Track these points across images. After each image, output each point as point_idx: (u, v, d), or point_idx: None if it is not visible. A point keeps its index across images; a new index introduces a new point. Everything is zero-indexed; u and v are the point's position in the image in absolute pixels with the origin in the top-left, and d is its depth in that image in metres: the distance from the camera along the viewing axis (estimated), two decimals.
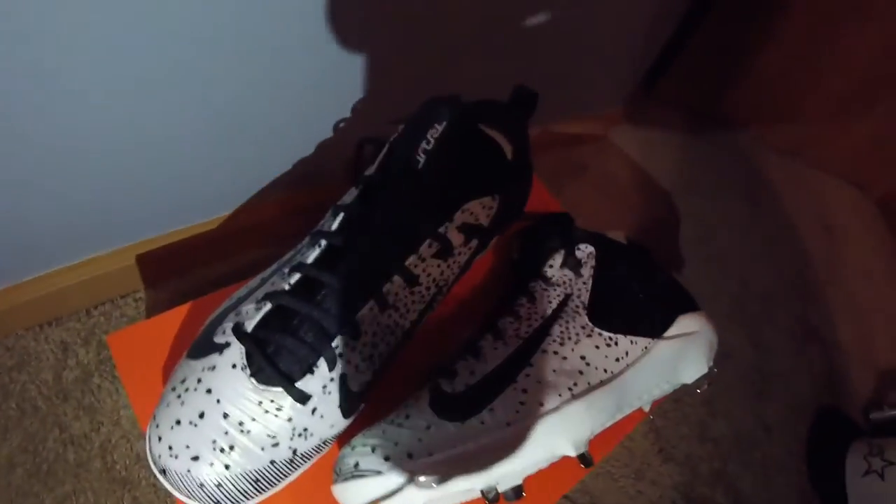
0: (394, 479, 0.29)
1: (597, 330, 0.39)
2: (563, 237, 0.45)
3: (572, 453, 0.33)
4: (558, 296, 0.41)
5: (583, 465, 0.34)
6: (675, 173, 1.02)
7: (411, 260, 0.32)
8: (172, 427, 0.29)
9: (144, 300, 0.59)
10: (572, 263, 0.43)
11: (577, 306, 0.40)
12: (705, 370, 0.42)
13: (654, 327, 0.41)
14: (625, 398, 0.37)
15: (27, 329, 0.53)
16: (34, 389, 0.50)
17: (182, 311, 0.40)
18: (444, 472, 0.29)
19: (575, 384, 0.35)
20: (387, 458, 0.30)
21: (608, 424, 0.36)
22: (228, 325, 0.31)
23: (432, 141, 0.30)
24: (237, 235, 0.63)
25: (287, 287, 0.31)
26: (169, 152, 0.45)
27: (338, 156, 0.56)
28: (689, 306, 0.45)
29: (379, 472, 0.30)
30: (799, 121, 1.15)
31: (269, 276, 0.34)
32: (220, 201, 0.57)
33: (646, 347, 0.40)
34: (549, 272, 0.43)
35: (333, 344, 0.30)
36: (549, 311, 0.39)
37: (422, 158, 0.30)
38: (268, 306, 0.31)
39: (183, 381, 0.30)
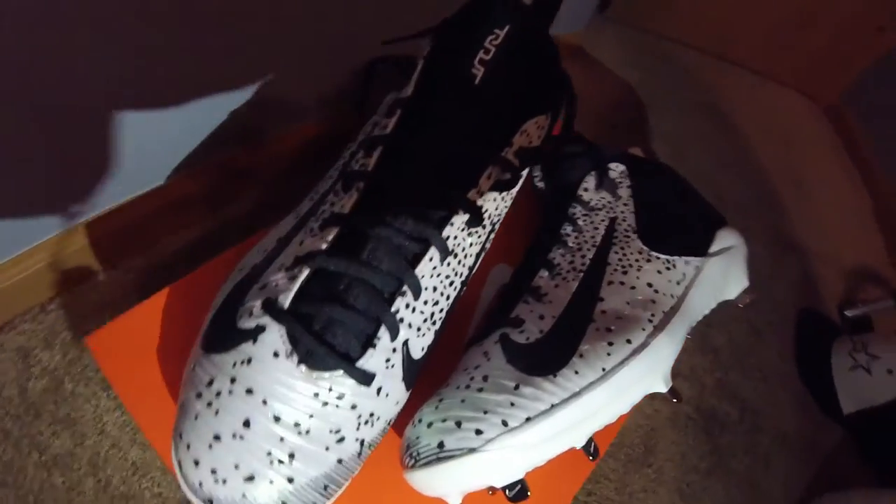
0: (494, 455, 0.24)
1: (654, 254, 0.35)
2: (592, 158, 0.40)
3: (664, 389, 0.29)
4: (603, 220, 0.36)
5: (590, 458, 0.30)
6: (638, 95, 0.99)
7: (471, 194, 0.25)
8: (211, 445, 0.22)
9: (107, 284, 0.50)
10: (608, 184, 0.39)
11: (626, 230, 0.36)
12: (747, 284, 0.41)
13: (700, 245, 0.38)
14: (691, 319, 0.34)
15: None
16: (0, 409, 0.41)
17: (167, 293, 0.33)
18: (549, 438, 0.25)
19: (652, 315, 0.31)
20: (478, 432, 0.25)
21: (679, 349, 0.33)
22: (255, 304, 0.24)
23: (492, 50, 0.24)
24: (205, 195, 0.54)
25: (325, 245, 0.24)
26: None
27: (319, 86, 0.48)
28: (720, 219, 0.43)
29: (473, 450, 0.24)
30: (748, 35, 1.14)
31: (290, 234, 0.27)
32: (172, 155, 0.48)
33: (697, 267, 0.36)
34: (585, 196, 0.38)
35: (393, 308, 0.24)
36: (600, 238, 0.35)
37: (479, 71, 0.24)
38: (305, 272, 0.24)
39: (210, 384, 0.23)
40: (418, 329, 0.26)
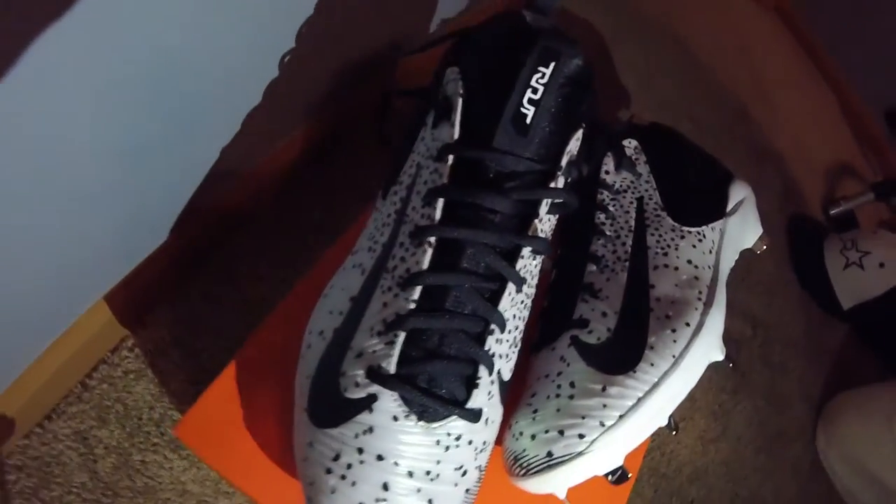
0: (598, 453, 0.27)
1: (685, 228, 0.37)
2: (605, 137, 0.42)
3: (721, 357, 0.33)
4: (631, 202, 0.38)
5: (672, 432, 0.34)
6: (597, 27, 0.99)
7: (534, 225, 0.27)
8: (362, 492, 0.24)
9: (142, 344, 0.51)
10: (627, 164, 0.41)
11: (655, 208, 0.38)
12: (761, 231, 0.44)
13: (719, 207, 0.41)
14: (723, 282, 0.37)
15: (26, 436, 0.44)
16: (75, 499, 0.42)
17: (235, 365, 0.34)
18: (640, 426, 0.28)
19: (699, 292, 0.33)
20: (581, 436, 0.28)
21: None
22: (359, 374, 0.26)
23: (540, 89, 0.25)
24: (208, 237, 0.55)
25: (412, 306, 0.26)
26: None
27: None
28: (727, 174, 0.45)
29: (580, 453, 0.27)
30: None
31: (364, 293, 0.28)
32: (169, 211, 0.48)
33: (721, 230, 0.39)
34: (609, 179, 0.40)
35: (485, 346, 0.27)
36: (633, 222, 0.37)
37: (529, 111, 0.25)
38: (402, 336, 0.26)
39: (337, 458, 0.25)
40: (506, 356, 0.28)
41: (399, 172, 0.31)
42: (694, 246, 0.36)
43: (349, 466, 0.25)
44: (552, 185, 0.27)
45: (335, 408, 0.26)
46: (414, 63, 0.67)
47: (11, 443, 0.44)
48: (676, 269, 0.34)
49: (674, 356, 0.30)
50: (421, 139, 0.30)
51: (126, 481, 0.44)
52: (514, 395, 0.32)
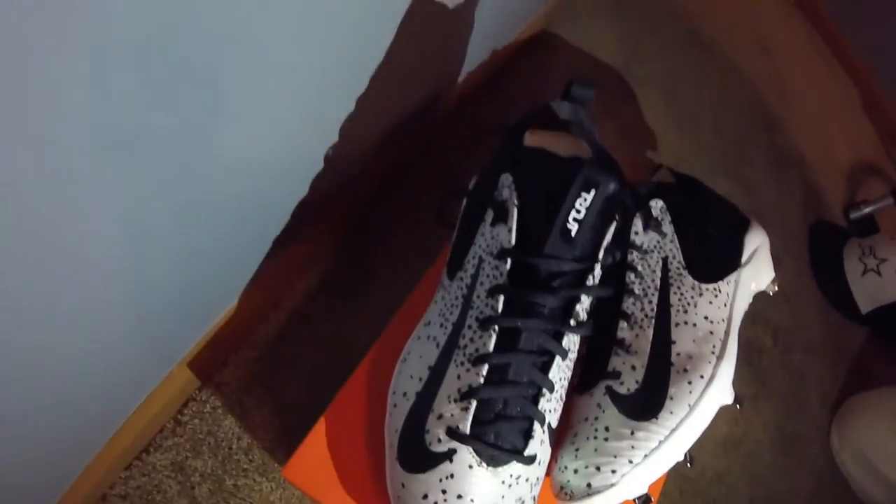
0: (629, 486, 0.36)
1: (703, 286, 0.44)
2: (633, 199, 0.49)
3: (731, 401, 0.41)
4: (657, 262, 0.46)
5: (688, 465, 0.42)
6: (620, 47, 1.05)
7: (577, 309, 0.35)
8: None
9: (227, 382, 0.60)
10: (654, 224, 0.48)
11: (678, 268, 0.45)
12: (773, 275, 0.50)
13: (734, 259, 0.48)
14: (736, 327, 0.45)
15: (127, 468, 0.54)
16: None
17: (328, 414, 0.43)
18: (661, 462, 0.37)
19: (714, 346, 0.41)
20: (613, 472, 0.36)
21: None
22: (440, 432, 0.34)
23: (583, 210, 0.33)
24: (275, 293, 0.65)
25: (482, 380, 0.34)
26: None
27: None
28: (745, 222, 0.52)
29: (613, 485, 0.36)
30: None
31: (440, 365, 0.37)
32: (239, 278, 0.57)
33: (736, 281, 0.46)
34: (638, 240, 0.47)
35: (539, 406, 0.35)
36: (658, 281, 0.45)
37: (574, 227, 0.33)
38: (474, 404, 0.34)
39: (426, 497, 0.34)
40: (554, 409, 0.37)
41: (464, 260, 0.39)
42: (710, 302, 0.44)
43: (435, 503, 0.33)
44: (590, 280, 0.35)
45: (422, 457, 0.35)
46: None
47: (114, 475, 0.53)
48: (695, 325, 0.42)
49: (689, 405, 0.38)
50: (481, 234, 0.38)
51: None
52: (560, 432, 0.40)
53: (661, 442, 0.37)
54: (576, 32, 1.02)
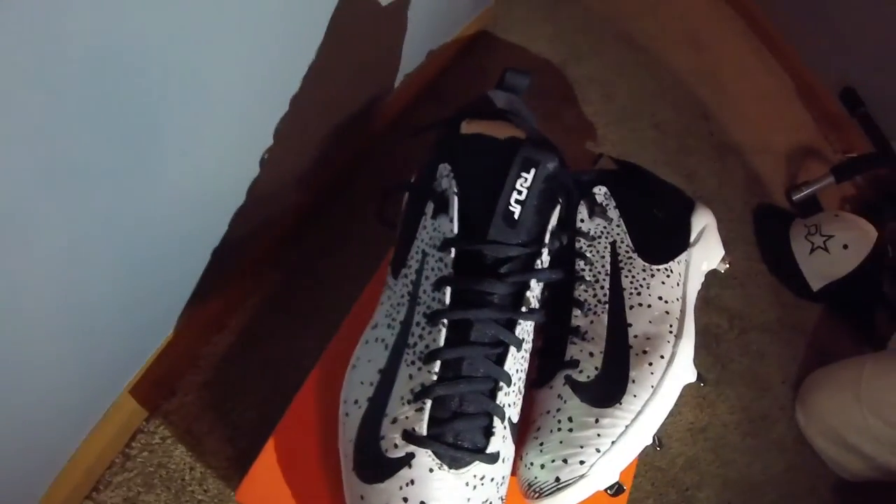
0: (597, 474, 0.35)
1: (654, 267, 0.45)
2: (576, 187, 0.49)
3: (694, 378, 0.41)
4: (605, 247, 0.46)
5: (657, 448, 0.42)
6: (556, 48, 1.07)
7: (527, 295, 0.35)
8: None
9: (176, 410, 0.58)
10: (599, 210, 0.48)
11: (627, 251, 0.45)
12: (723, 252, 0.51)
13: (683, 239, 0.48)
14: (691, 305, 0.45)
15: None
16: None
17: (276, 434, 0.41)
18: (629, 448, 0.36)
19: (671, 325, 0.41)
20: (581, 462, 0.35)
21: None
22: (396, 437, 0.33)
23: (524, 191, 0.32)
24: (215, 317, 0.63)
25: (435, 377, 0.33)
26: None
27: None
28: (689, 203, 0.53)
29: (583, 476, 0.35)
30: None
31: (391, 366, 0.35)
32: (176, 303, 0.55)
33: (686, 261, 0.47)
34: (584, 227, 0.47)
35: (497, 401, 0.34)
36: (609, 266, 0.45)
37: (516, 209, 0.32)
38: (429, 403, 0.33)
39: None
40: (514, 403, 0.36)
41: (406, 257, 0.37)
42: (663, 282, 0.44)
43: None
44: (538, 264, 0.34)
45: (379, 466, 0.33)
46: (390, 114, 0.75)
47: None
48: (649, 306, 0.42)
49: (652, 386, 0.38)
50: (423, 227, 0.37)
51: None
52: (522, 428, 0.40)
53: (627, 427, 0.37)
54: (512, 34, 1.03)
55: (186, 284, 0.54)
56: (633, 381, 0.38)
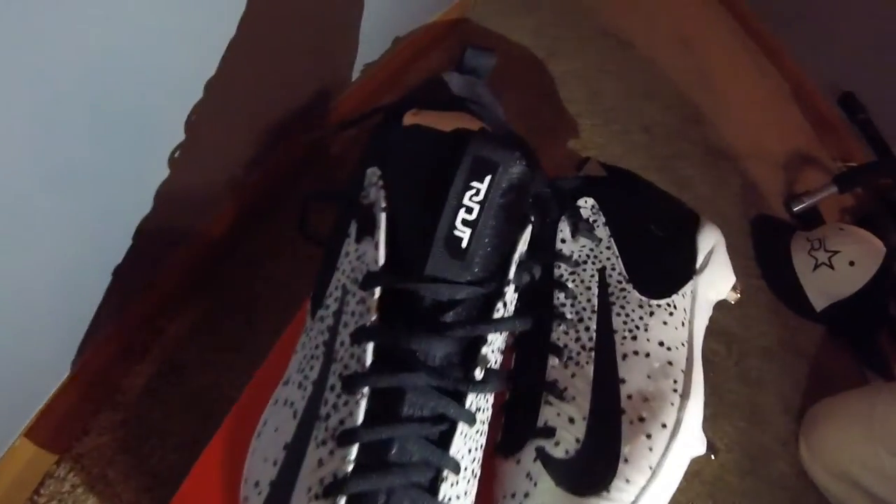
0: None
1: (653, 302, 0.35)
2: (557, 197, 0.40)
3: (703, 451, 0.31)
4: (592, 276, 0.37)
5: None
6: (537, 42, 0.99)
7: (483, 353, 0.25)
8: None
9: (90, 452, 0.52)
10: (585, 228, 0.39)
11: (619, 281, 0.36)
12: (734, 279, 0.43)
13: (688, 266, 0.40)
14: (699, 349, 0.36)
15: None
16: None
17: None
18: None
19: (675, 381, 0.32)
20: None
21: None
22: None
23: (475, 208, 0.23)
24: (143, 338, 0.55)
25: (350, 468, 0.23)
26: None
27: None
28: (693, 218, 0.44)
29: None
30: None
31: (297, 443, 0.26)
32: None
33: (692, 292, 0.38)
34: (566, 249, 0.38)
35: (442, 495, 0.24)
36: (596, 300, 0.35)
37: (465, 234, 0.23)
38: (343, 502, 0.23)
39: None
40: (465, 493, 0.26)
41: (325, 293, 0.28)
42: (665, 322, 0.35)
43: None
44: (499, 309, 0.25)
45: None
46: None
47: None
48: (648, 355, 0.33)
49: (651, 467, 0.29)
50: (345, 254, 0.27)
51: None
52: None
53: None
54: (490, 23, 0.94)
55: (83, 312, 0.45)
56: (626, 461, 0.29)
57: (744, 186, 0.98)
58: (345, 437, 0.24)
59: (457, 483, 0.25)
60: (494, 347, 0.26)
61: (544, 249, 0.38)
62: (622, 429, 0.30)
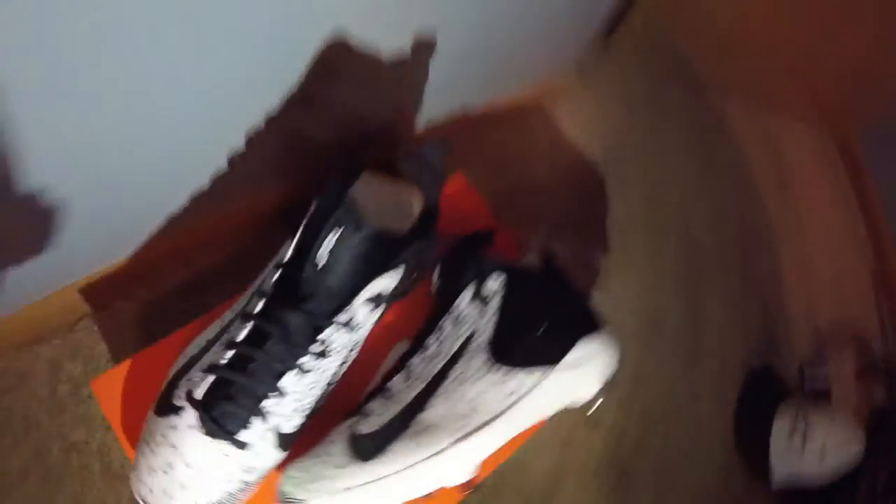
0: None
1: (497, 365, 0.47)
2: (476, 269, 0.53)
3: (459, 483, 0.45)
4: (463, 334, 0.49)
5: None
6: (624, 135, 1.06)
7: (323, 335, 0.42)
8: (149, 473, 0.40)
9: (120, 313, 0.69)
10: (481, 297, 0.51)
11: (479, 345, 0.48)
12: (595, 392, 0.51)
13: (553, 356, 0.48)
14: (514, 427, 0.47)
15: (19, 350, 0.64)
16: (35, 405, 0.62)
17: (152, 351, 0.51)
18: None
19: (461, 426, 0.44)
20: (311, 492, 0.42)
21: (496, 448, 0.46)
22: (183, 391, 0.42)
23: (333, 242, 0.39)
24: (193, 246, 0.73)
25: (224, 362, 0.41)
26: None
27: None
28: (591, 328, 0.51)
29: (303, 501, 0.41)
30: (758, 59, 1.12)
31: (212, 341, 0.44)
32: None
33: (539, 377, 0.47)
34: (459, 307, 0.51)
35: (262, 405, 0.41)
36: (454, 350, 0.48)
37: (322, 261, 0.40)
38: (211, 379, 0.41)
39: (152, 436, 0.41)
40: (287, 416, 0.43)
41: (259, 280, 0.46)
42: (494, 384, 0.46)
43: (157, 443, 0.40)
44: (342, 316, 0.42)
45: (166, 405, 0.42)
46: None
47: (9, 350, 0.63)
48: (457, 401, 0.45)
49: (406, 465, 0.43)
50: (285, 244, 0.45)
51: (73, 406, 0.62)
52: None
53: (364, 483, 0.42)
54: (577, 109, 1.02)
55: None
56: (393, 453, 0.43)
57: (762, 334, 1.00)
58: (230, 344, 0.42)
59: (281, 405, 0.42)
60: (330, 338, 0.42)
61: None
62: (405, 434, 0.44)
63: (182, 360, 0.45)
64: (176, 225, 0.66)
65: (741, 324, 1.00)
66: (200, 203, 0.64)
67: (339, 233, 0.40)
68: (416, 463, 0.43)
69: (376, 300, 0.44)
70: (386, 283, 0.43)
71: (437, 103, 0.80)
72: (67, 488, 0.59)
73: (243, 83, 0.47)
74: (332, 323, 0.41)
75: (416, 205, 0.49)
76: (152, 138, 0.46)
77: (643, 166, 1.04)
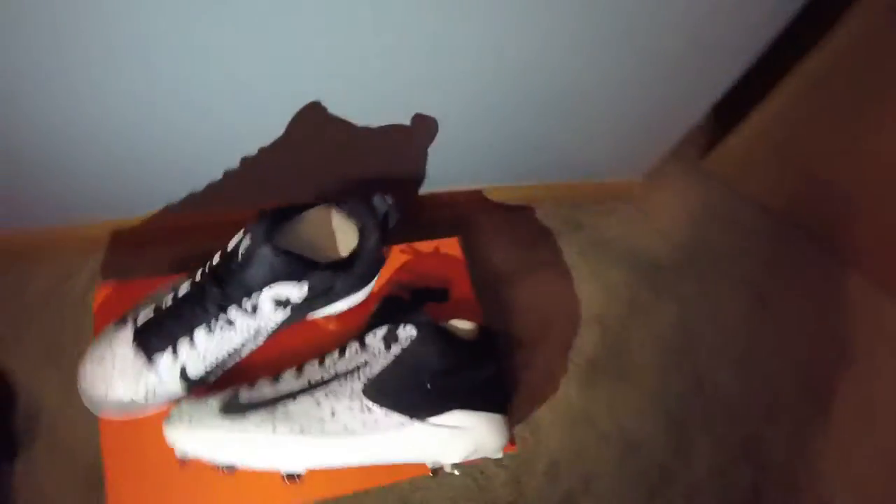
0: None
1: (361, 396, 0.54)
2: (400, 314, 0.60)
3: (284, 471, 0.55)
4: (359, 361, 0.58)
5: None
6: (682, 255, 1.05)
7: (230, 312, 0.55)
8: (90, 359, 0.56)
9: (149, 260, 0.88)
10: (389, 339, 0.58)
11: (361, 375, 0.56)
12: (457, 461, 0.57)
13: (419, 412, 0.55)
14: (366, 455, 0.54)
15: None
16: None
17: (139, 282, 0.68)
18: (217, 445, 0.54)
19: (310, 427, 0.53)
20: (190, 422, 0.54)
21: (337, 465, 0.55)
22: (133, 315, 0.58)
23: (247, 241, 0.53)
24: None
25: (164, 306, 0.57)
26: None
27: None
28: (479, 405, 0.57)
29: (172, 418, 0.55)
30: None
31: (175, 287, 0.60)
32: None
33: (401, 423, 0.54)
34: (367, 338, 0.59)
35: (177, 344, 0.55)
36: (345, 370, 0.58)
37: (239, 258, 0.53)
38: (151, 312, 0.57)
39: (104, 334, 0.57)
40: (193, 362, 0.56)
41: None
42: (351, 409, 0.54)
43: (103, 338, 0.57)
44: (243, 302, 0.55)
45: (122, 319, 0.58)
46: None
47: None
48: (318, 404, 0.54)
49: (247, 432, 0.53)
50: None
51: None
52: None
53: (217, 429, 0.53)
54: (641, 212, 1.06)
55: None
56: (246, 419, 0.55)
57: None
58: (174, 296, 0.57)
59: (192, 350, 0.56)
60: (232, 317, 0.56)
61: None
62: (265, 407, 0.54)
63: (149, 296, 0.61)
64: (186, 207, 0.84)
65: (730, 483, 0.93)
66: (216, 195, 0.82)
67: (250, 240, 0.53)
68: (256, 435, 0.53)
69: (284, 303, 0.56)
70: (288, 290, 0.55)
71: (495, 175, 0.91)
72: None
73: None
74: (238, 304, 0.55)
75: (352, 241, 0.61)
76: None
77: (686, 287, 1.02)
